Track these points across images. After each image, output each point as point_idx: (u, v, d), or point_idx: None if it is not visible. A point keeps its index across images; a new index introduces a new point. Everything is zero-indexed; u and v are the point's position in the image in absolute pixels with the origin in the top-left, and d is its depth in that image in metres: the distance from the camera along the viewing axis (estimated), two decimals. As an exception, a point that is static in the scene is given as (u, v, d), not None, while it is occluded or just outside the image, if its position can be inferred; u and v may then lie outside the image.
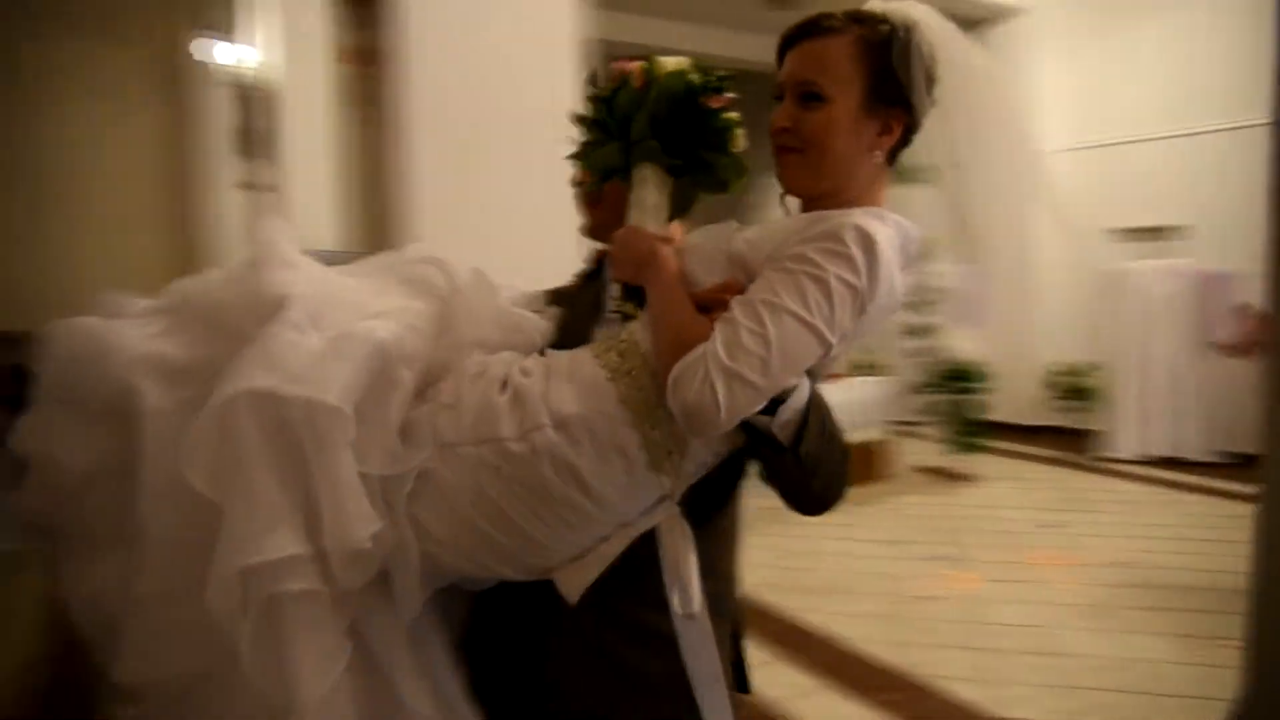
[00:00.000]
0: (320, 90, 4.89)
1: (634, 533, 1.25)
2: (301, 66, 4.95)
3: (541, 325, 1.40)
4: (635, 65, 1.40)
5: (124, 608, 1.19)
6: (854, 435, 6.13)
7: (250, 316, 1.20)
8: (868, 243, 1.12)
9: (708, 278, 1.24)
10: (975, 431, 6.41)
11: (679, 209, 1.43)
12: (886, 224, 1.19)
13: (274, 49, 4.95)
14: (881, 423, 6.47)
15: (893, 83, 1.23)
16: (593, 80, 1.46)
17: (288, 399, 1.12)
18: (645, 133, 1.39)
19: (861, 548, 5.11)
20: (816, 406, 1.18)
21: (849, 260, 1.12)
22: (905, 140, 1.29)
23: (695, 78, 1.40)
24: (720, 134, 1.39)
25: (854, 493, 5.19)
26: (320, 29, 4.91)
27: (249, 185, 5.39)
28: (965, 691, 3.30)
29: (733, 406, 1.09)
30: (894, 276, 1.16)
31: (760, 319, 1.11)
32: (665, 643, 1.26)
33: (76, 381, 1.23)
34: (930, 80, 1.25)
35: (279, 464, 1.13)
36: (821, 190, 1.26)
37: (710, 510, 1.34)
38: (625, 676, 1.29)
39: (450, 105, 2.58)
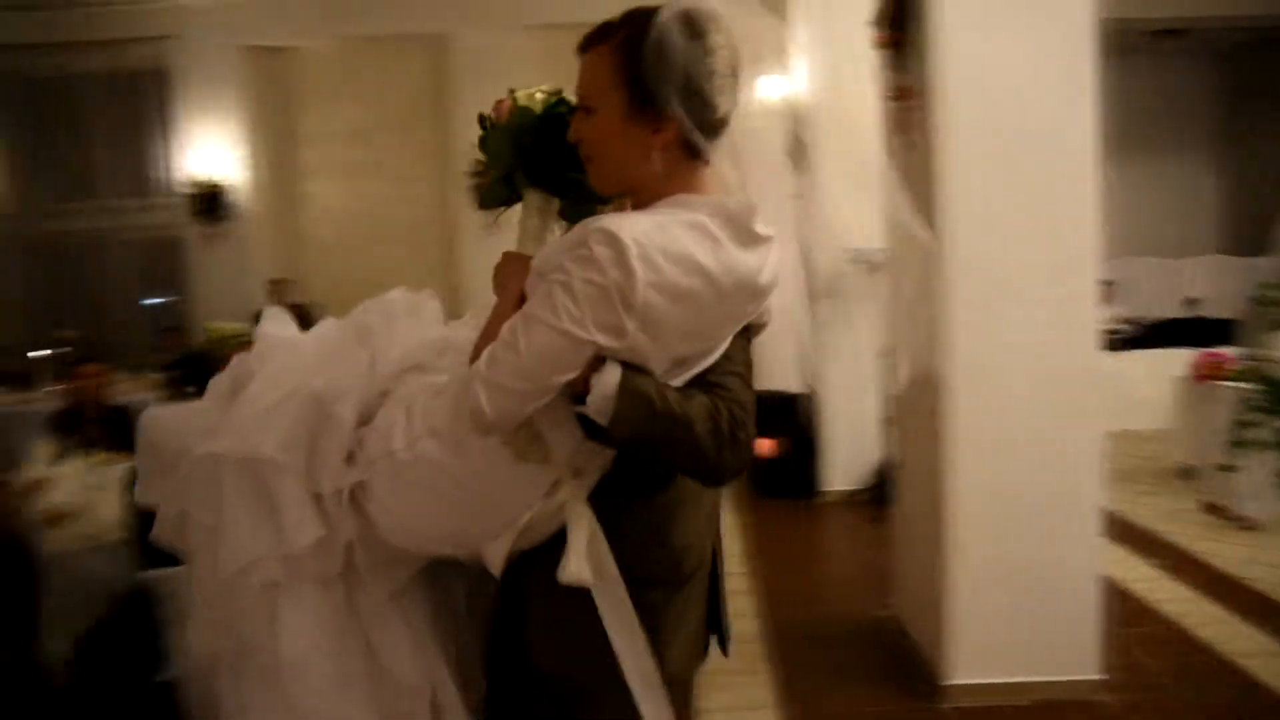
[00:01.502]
0: (852, 116, 5.61)
1: (541, 512, 1.33)
2: (837, 96, 5.70)
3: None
4: (504, 101, 1.45)
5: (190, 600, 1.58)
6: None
7: (241, 387, 1.57)
8: (611, 240, 1.14)
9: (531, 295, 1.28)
10: None
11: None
12: (662, 214, 1.23)
13: (815, 81, 5.77)
14: None
15: (650, 83, 1.23)
16: (481, 122, 1.49)
17: (230, 456, 1.46)
18: (512, 163, 1.43)
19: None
20: (631, 391, 1.20)
21: (592, 262, 1.15)
22: (702, 128, 1.26)
23: (543, 104, 1.42)
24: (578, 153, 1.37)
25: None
26: (852, 64, 5.61)
27: (796, 196, 6.33)
28: None
29: (496, 409, 1.21)
30: (688, 260, 1.18)
31: (516, 331, 1.21)
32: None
33: (159, 453, 1.60)
34: (690, 73, 1.23)
35: (244, 498, 1.45)
36: (622, 191, 1.35)
37: (650, 488, 1.36)
38: (571, 632, 1.34)
39: (978, 132, 3.00)
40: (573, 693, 1.38)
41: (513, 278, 1.35)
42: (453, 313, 1.72)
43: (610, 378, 1.20)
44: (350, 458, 1.44)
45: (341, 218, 8.56)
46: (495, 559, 1.38)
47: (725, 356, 1.31)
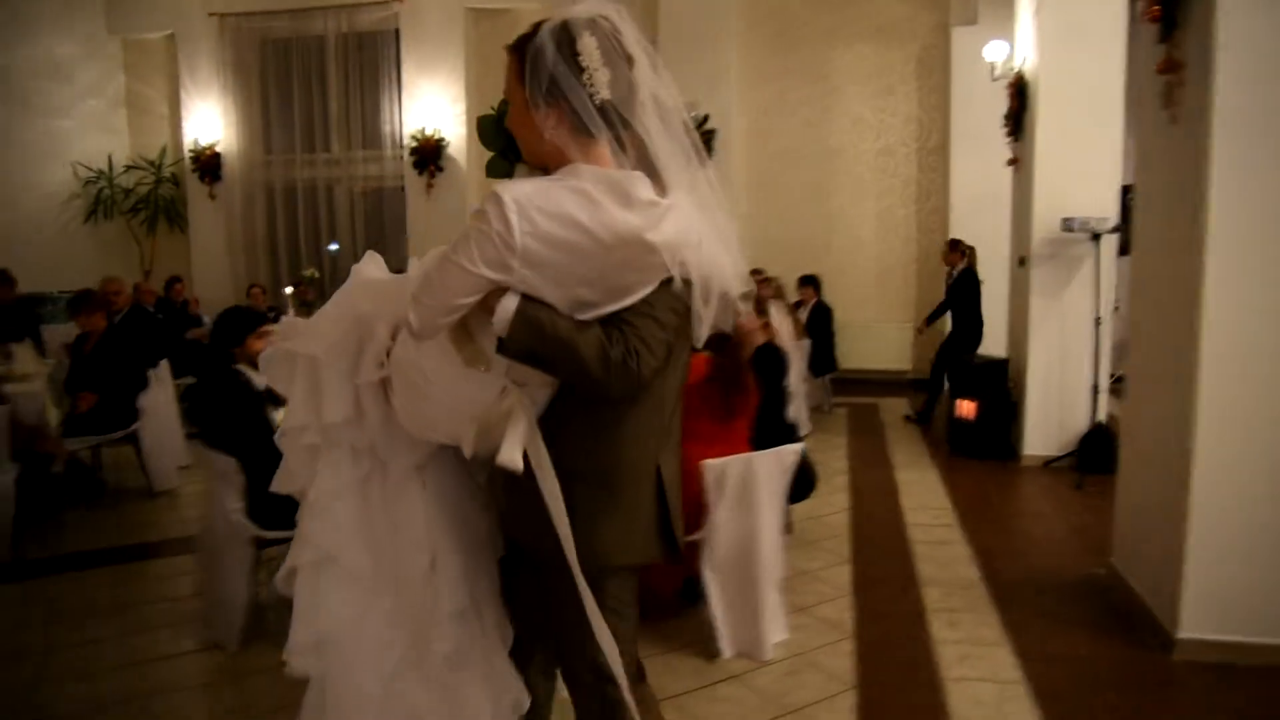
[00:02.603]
0: (1073, 83, 5.55)
1: (496, 411, 1.64)
2: (1066, 66, 5.64)
3: None
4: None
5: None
6: None
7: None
8: (496, 199, 1.46)
9: None
10: None
11: None
12: (554, 180, 1.53)
13: (1041, 51, 5.69)
14: None
15: (529, 83, 1.55)
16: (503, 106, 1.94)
17: (299, 352, 1.91)
18: (499, 143, 1.92)
19: None
20: (525, 316, 1.51)
21: (482, 215, 1.48)
22: (581, 114, 1.55)
23: None
24: None
25: None
26: (1082, 34, 5.52)
27: (1013, 162, 6.31)
28: None
29: (419, 320, 1.56)
30: (564, 217, 1.47)
31: (436, 264, 1.56)
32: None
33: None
34: (556, 74, 1.53)
35: (305, 381, 1.88)
36: (539, 164, 1.65)
37: (589, 402, 1.63)
38: (533, 512, 1.65)
39: (1252, 109, 2.98)
40: (529, 558, 1.77)
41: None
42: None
43: (509, 304, 1.52)
44: (384, 363, 1.81)
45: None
46: (465, 445, 1.73)
47: (646, 301, 1.57)
